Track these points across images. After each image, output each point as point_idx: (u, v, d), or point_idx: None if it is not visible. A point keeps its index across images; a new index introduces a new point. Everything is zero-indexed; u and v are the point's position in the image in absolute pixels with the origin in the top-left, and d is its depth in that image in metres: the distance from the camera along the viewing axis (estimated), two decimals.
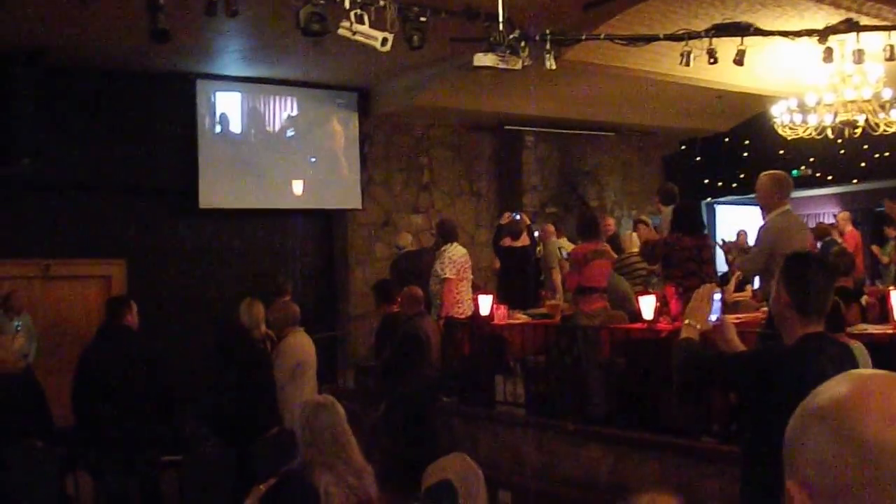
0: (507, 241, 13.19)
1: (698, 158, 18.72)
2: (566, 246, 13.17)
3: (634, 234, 12.33)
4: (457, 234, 11.85)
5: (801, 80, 12.91)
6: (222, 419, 8.31)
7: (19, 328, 11.77)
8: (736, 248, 12.84)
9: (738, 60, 11.71)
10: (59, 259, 13.35)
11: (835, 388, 1.46)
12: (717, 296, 4.39)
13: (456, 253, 11.40)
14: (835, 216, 15.89)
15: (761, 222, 12.12)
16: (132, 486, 7.99)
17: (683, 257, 8.85)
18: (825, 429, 1.42)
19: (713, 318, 4.37)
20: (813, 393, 1.49)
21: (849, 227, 14.58)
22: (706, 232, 10.93)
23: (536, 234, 14.18)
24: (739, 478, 4.32)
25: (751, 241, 15.14)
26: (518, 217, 13.52)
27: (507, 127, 16.50)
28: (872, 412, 1.39)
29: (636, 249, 12.13)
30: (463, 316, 11.30)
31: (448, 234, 11.65)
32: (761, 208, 8.34)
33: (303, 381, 9.04)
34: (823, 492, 1.40)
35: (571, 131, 17.04)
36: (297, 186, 14.82)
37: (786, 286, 4.04)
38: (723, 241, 12.78)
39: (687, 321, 4.34)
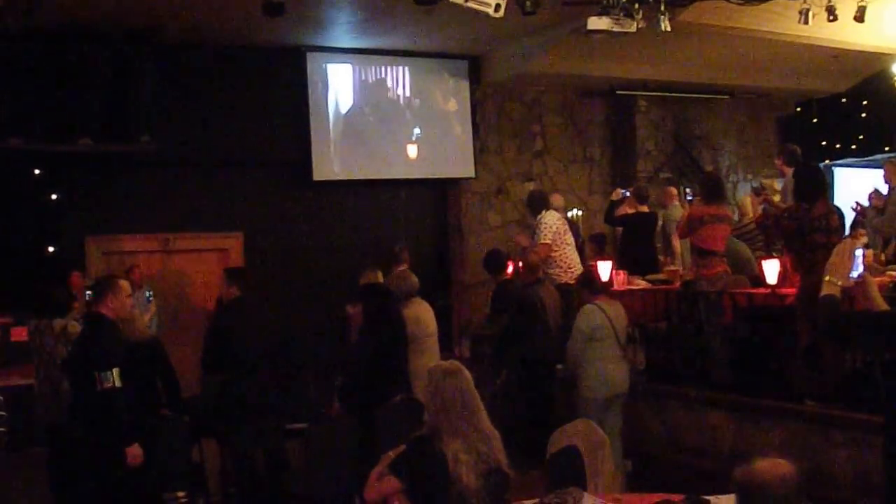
0: (625, 210, 13.03)
1: (815, 120, 18.27)
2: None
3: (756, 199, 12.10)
4: (548, 203, 11.86)
5: None
6: (354, 386, 8.34)
7: (151, 298, 12.00)
8: (871, 210, 12.38)
9: (859, 17, 11.40)
10: (178, 233, 13.56)
11: None
12: (859, 252, 4.27)
13: (551, 219, 11.39)
14: None
15: (882, 184, 11.82)
16: (258, 453, 8.10)
17: (812, 228, 8.25)
18: None
19: (855, 274, 4.25)
20: None
21: None
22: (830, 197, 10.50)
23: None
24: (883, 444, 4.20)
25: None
26: (626, 194, 13.35)
27: (619, 92, 16.26)
28: None
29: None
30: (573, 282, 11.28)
31: (539, 204, 11.68)
32: None
33: (415, 351, 9.04)
34: None
35: (685, 95, 16.77)
36: (410, 156, 14.84)
37: None
38: (857, 203, 12.31)
39: (828, 278, 4.21)
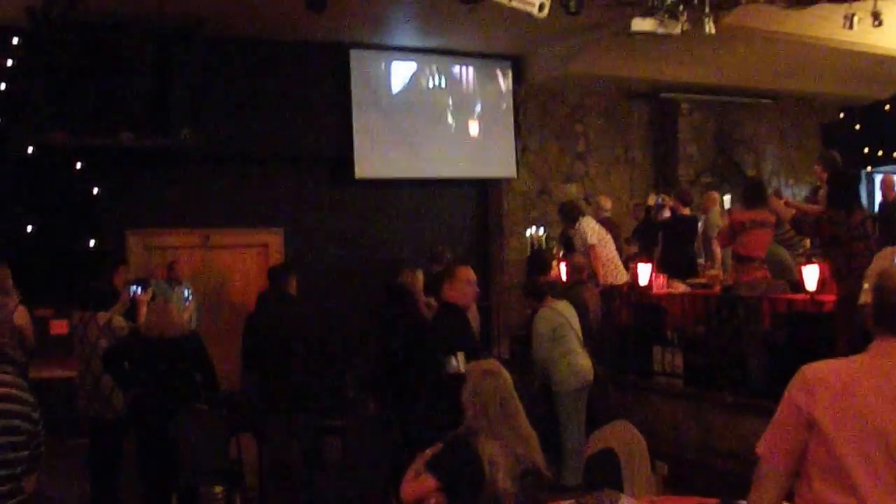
0: (667, 213, 13.00)
1: (857, 126, 18.09)
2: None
3: None
4: (582, 210, 12.06)
5: None
6: (381, 384, 8.36)
7: (190, 297, 12.04)
8: None
9: None
10: (218, 229, 13.63)
11: None
12: None
13: (589, 223, 11.47)
14: None
15: None
16: (295, 449, 8.12)
17: (852, 236, 8.13)
18: None
19: None
20: None
21: None
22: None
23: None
24: None
25: None
26: (661, 201, 13.31)
27: (662, 94, 16.24)
28: None
29: None
30: (619, 282, 11.28)
31: (574, 213, 11.73)
32: None
33: None
34: None
35: (728, 98, 16.70)
36: (451, 155, 14.82)
37: None
38: None
39: (867, 285, 4.18)
